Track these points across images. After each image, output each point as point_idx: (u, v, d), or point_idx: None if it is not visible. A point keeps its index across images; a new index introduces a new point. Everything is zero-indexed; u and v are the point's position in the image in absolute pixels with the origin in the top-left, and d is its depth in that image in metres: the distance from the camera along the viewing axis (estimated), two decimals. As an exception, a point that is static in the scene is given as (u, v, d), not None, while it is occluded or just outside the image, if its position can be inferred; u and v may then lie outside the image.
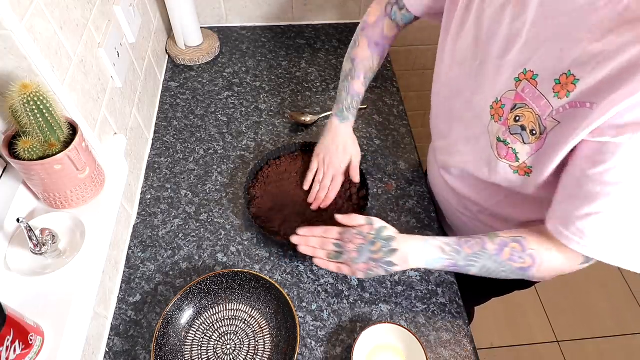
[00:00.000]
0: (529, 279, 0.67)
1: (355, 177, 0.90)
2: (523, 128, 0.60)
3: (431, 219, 0.92)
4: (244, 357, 0.74)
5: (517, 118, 0.60)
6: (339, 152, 0.89)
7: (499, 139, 0.64)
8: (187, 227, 0.90)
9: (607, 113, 0.49)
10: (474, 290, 1.05)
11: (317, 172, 0.91)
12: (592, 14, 0.50)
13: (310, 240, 0.73)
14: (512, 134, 0.62)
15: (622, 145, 0.50)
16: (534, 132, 0.59)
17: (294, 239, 0.73)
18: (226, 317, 0.77)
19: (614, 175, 0.52)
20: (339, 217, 0.72)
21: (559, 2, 0.53)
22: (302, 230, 0.74)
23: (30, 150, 0.59)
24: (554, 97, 0.55)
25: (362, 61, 0.87)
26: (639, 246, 0.57)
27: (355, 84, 0.87)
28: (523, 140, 0.60)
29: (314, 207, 0.89)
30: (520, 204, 0.73)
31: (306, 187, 0.91)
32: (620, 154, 0.51)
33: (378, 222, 0.70)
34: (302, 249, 0.72)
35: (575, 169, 0.56)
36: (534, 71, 0.57)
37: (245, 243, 0.88)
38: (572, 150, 0.56)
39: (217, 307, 0.78)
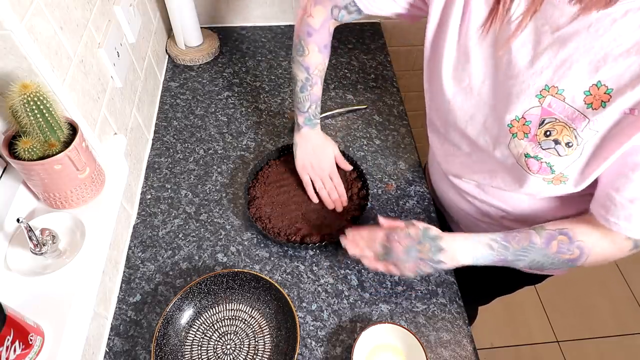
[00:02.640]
0: (579, 266, 0.67)
1: (345, 166, 0.93)
2: (557, 142, 0.59)
3: (431, 219, 0.92)
4: (244, 357, 0.74)
5: (548, 133, 0.60)
6: (319, 153, 0.90)
7: (527, 156, 0.63)
8: (187, 227, 0.90)
9: None
10: (479, 291, 1.05)
11: (313, 183, 0.91)
12: (611, 24, 0.51)
13: (358, 242, 0.74)
14: (544, 149, 0.61)
15: None
16: (570, 144, 0.58)
17: (342, 241, 0.75)
18: (226, 317, 0.77)
19: None
20: (382, 220, 0.73)
21: (576, 21, 0.53)
22: (349, 233, 0.75)
23: (30, 150, 0.59)
24: (588, 109, 0.55)
25: (317, 67, 0.85)
26: None
27: (315, 91, 0.87)
28: (558, 154, 0.60)
29: (338, 209, 0.90)
30: (548, 206, 0.73)
31: (315, 200, 0.91)
32: None
33: (421, 224, 0.71)
34: (351, 251, 0.73)
35: (620, 166, 0.57)
36: (557, 87, 0.57)
37: (245, 243, 0.88)
38: None
39: (217, 307, 0.78)
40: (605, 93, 0.53)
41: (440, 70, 0.69)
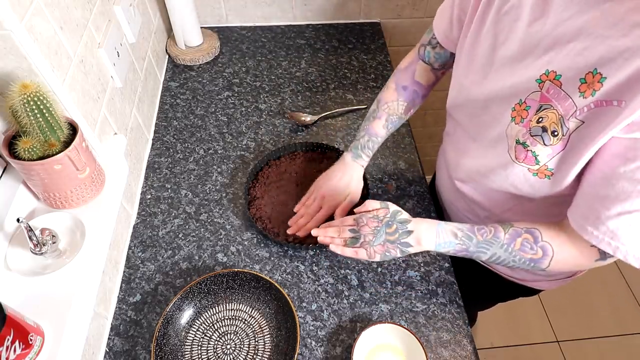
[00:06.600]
0: (542, 271, 0.66)
1: (337, 215, 0.84)
2: (544, 129, 0.58)
3: (431, 219, 0.91)
4: (244, 357, 0.74)
5: (540, 119, 0.59)
6: (338, 186, 0.86)
7: (517, 142, 0.62)
8: (187, 227, 0.90)
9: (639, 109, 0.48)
10: (479, 296, 1.04)
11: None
12: (615, 8, 0.49)
13: (328, 231, 0.74)
14: (532, 136, 0.60)
15: None
16: (556, 133, 0.57)
17: (314, 232, 0.75)
18: (226, 317, 0.77)
19: None
20: (356, 210, 0.73)
21: (580, 3, 0.53)
22: (322, 225, 0.76)
23: (30, 150, 0.59)
24: (579, 97, 0.54)
25: (387, 103, 0.85)
26: None
27: (375, 125, 0.86)
28: (544, 142, 0.59)
29: (290, 231, 0.85)
30: (529, 213, 0.72)
31: (296, 209, 0.88)
32: None
33: (393, 206, 0.71)
34: (321, 239, 0.73)
35: (604, 167, 0.55)
36: (556, 72, 0.56)
37: (245, 243, 0.88)
38: (599, 149, 0.54)
39: (217, 307, 0.78)
40: (598, 82, 0.51)
41: (460, 55, 0.70)
